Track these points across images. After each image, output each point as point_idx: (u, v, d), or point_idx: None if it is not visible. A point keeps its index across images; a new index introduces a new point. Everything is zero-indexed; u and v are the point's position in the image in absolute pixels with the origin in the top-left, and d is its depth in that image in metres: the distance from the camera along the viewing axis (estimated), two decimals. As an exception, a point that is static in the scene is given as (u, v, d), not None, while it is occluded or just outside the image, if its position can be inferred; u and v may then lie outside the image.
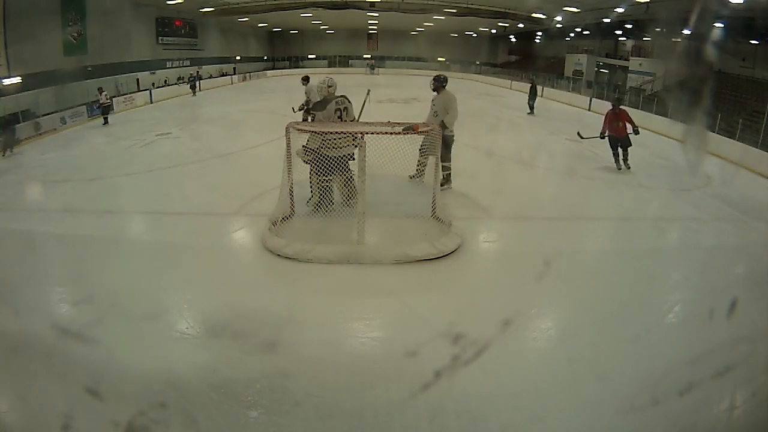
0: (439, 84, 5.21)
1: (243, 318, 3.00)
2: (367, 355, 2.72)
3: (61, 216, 4.87)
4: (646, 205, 5.65)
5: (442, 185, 4.94)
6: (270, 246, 3.86)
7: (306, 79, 7.94)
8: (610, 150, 6.80)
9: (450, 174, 5.33)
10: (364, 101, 5.06)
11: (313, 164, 4.36)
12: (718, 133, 9.31)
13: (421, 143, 4.81)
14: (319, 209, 4.51)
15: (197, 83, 16.49)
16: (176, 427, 2.14)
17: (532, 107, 12.77)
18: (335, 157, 4.23)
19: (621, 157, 6.78)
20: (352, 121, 4.69)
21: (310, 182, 4.57)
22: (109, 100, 11.27)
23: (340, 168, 4.29)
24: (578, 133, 7.42)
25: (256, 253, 3.92)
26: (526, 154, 7.58)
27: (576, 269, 3.79)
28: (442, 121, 5.05)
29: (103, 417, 2.09)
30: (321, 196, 4.52)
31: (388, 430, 2.15)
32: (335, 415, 2.22)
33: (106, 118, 11.01)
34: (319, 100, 4.63)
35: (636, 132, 6.69)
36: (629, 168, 6.71)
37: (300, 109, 7.69)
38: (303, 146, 4.30)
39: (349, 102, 4.66)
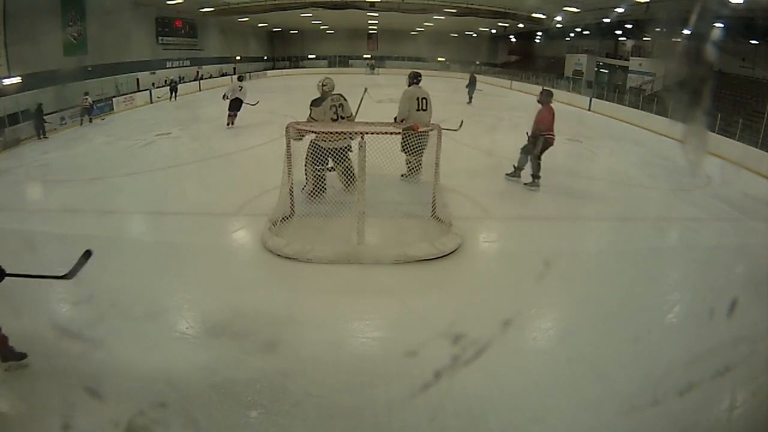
0: (409, 80, 5.49)
1: (243, 318, 3.01)
2: (367, 355, 2.72)
3: (61, 216, 4.87)
4: (646, 205, 5.64)
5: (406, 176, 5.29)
6: (270, 246, 3.86)
7: (240, 78, 9.59)
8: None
9: (419, 168, 5.17)
10: (362, 98, 5.17)
11: (309, 154, 4.60)
12: (718, 133, 9.31)
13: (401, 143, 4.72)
14: (313, 196, 4.66)
15: (177, 88, 16.31)
16: (176, 427, 2.14)
17: (470, 98, 13.78)
18: (331, 149, 4.47)
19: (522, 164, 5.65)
20: (349, 116, 4.95)
21: (305, 170, 4.73)
22: (89, 104, 11.41)
23: (338, 158, 4.53)
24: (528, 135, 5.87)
25: (256, 253, 3.92)
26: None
27: (576, 269, 3.78)
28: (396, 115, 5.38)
29: (103, 417, 2.10)
30: (314, 185, 4.69)
31: (388, 430, 2.15)
32: (335, 415, 2.22)
33: (82, 119, 11.32)
34: (317, 97, 4.91)
35: (533, 139, 5.49)
36: (537, 185, 5.53)
37: (224, 98, 9.26)
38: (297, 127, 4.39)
39: (345, 99, 4.95)
